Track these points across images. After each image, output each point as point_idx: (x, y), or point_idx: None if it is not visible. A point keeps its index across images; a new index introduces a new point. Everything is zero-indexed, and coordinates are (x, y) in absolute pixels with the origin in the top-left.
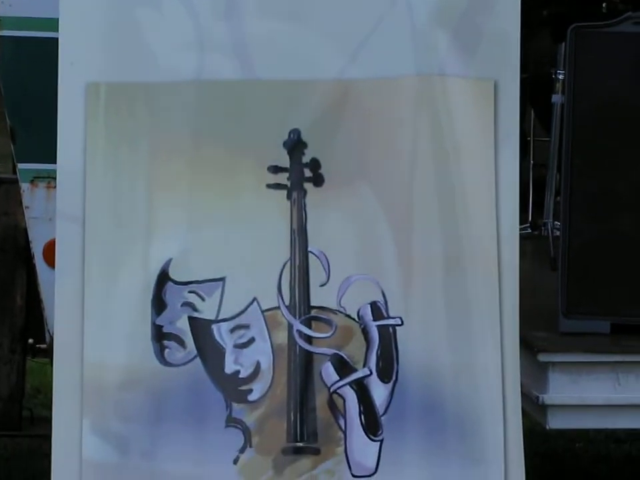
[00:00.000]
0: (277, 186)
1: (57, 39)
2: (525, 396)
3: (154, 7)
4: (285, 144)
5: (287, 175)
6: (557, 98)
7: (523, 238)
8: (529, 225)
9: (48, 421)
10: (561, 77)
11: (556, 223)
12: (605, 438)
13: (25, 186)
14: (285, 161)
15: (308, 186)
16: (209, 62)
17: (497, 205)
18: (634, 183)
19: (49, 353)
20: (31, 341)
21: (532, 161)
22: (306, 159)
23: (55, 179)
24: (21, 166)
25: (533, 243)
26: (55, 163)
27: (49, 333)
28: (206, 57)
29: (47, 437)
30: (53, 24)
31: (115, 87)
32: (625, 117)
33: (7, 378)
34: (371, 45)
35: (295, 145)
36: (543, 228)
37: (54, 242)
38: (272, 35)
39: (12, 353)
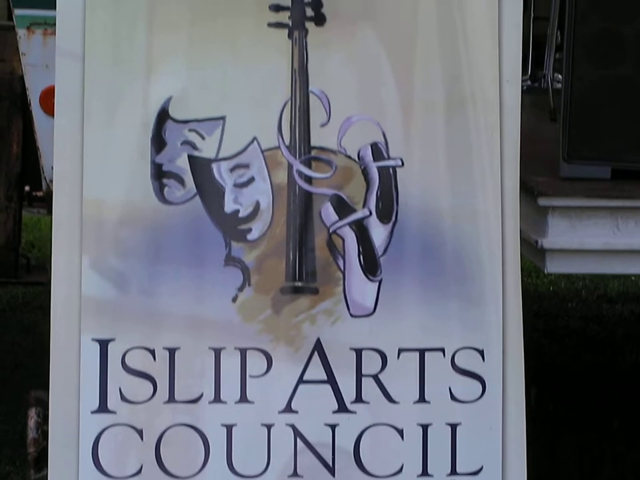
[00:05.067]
0: (278, 25)
1: None
2: (524, 241)
3: None
4: None
5: (288, 13)
6: None
7: (522, 91)
8: (528, 77)
9: (43, 269)
10: None
11: (556, 74)
12: (597, 298)
13: (21, 32)
14: (286, 0)
15: (309, 25)
16: None
17: (499, 47)
18: (638, 26)
19: (45, 200)
20: (27, 188)
21: (533, 14)
22: None
23: (51, 25)
24: (17, 12)
25: (532, 96)
26: (52, 9)
27: (46, 181)
28: None
29: (42, 285)
30: None
31: None
32: None
33: (4, 225)
34: None
35: None
36: (542, 80)
37: (50, 89)
38: None
39: (8, 200)
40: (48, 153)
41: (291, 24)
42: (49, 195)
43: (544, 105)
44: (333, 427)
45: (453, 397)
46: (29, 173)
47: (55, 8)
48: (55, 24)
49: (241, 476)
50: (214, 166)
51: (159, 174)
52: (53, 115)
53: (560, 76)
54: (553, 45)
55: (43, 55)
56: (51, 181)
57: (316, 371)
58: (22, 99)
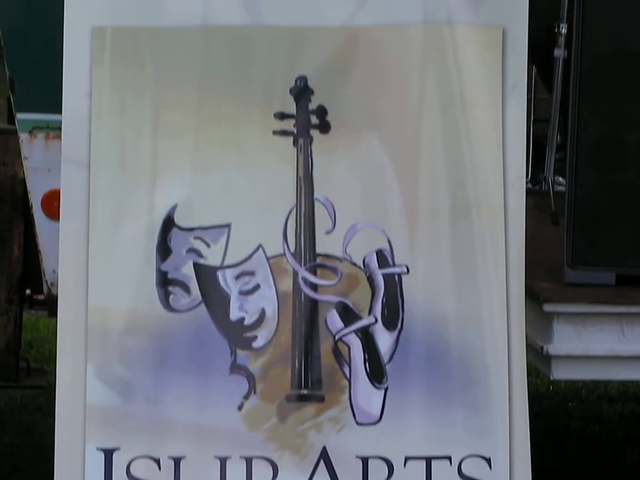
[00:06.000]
0: (283, 133)
1: None
2: (529, 347)
3: None
4: (291, 90)
5: (293, 121)
6: (558, 52)
7: None
8: (529, 179)
9: (43, 372)
10: (563, 30)
11: (557, 177)
12: (598, 398)
13: (23, 136)
14: (291, 108)
15: (314, 133)
16: (215, 7)
17: (503, 153)
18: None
19: (46, 304)
20: (28, 291)
21: (532, 117)
22: (312, 105)
23: (53, 129)
24: (19, 116)
25: (533, 198)
26: (54, 113)
27: (47, 284)
28: (212, 1)
29: (43, 388)
30: None
31: (120, 31)
32: (632, 67)
33: (4, 329)
34: None
35: (302, 91)
36: (543, 182)
37: (52, 192)
38: None
39: (9, 303)
40: (49, 256)
41: (295, 132)
42: (50, 299)
43: (545, 207)
44: None
45: None
46: (30, 276)
47: (56, 112)
48: (57, 128)
49: None
50: (219, 273)
51: (164, 281)
52: (54, 219)
53: (561, 178)
54: (554, 148)
55: (44, 159)
56: (52, 285)
57: (322, 479)
58: (23, 202)
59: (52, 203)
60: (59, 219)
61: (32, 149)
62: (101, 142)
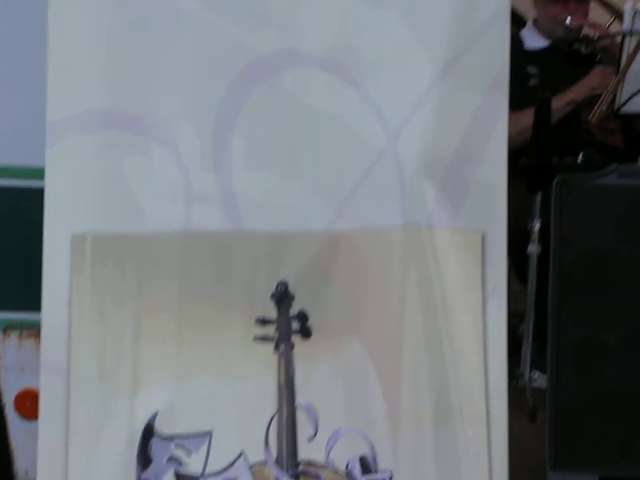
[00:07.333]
0: (264, 338)
1: (30, 188)
2: None
3: (142, 158)
4: (272, 296)
5: (274, 327)
6: (532, 248)
7: None
8: None
9: None
10: (537, 227)
11: (533, 372)
12: None
13: None
14: (272, 313)
15: (296, 338)
16: (196, 213)
17: (485, 356)
18: (621, 335)
19: None
20: None
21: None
22: (293, 311)
23: (27, 328)
24: None
25: (509, 393)
26: (27, 311)
27: None
28: (193, 208)
29: None
30: (26, 173)
31: (101, 238)
32: (611, 268)
33: None
34: (359, 197)
35: (283, 297)
36: (520, 378)
37: (26, 392)
38: (259, 187)
39: None
40: (22, 456)
41: (277, 337)
42: None
43: (521, 403)
44: None
45: None
46: (2, 476)
47: (31, 310)
48: (30, 327)
49: None
50: None
51: None
52: (28, 418)
53: (537, 373)
54: (529, 346)
55: (18, 358)
56: None
57: None
58: None
59: (25, 403)
60: (32, 419)
61: (5, 348)
62: (81, 350)
